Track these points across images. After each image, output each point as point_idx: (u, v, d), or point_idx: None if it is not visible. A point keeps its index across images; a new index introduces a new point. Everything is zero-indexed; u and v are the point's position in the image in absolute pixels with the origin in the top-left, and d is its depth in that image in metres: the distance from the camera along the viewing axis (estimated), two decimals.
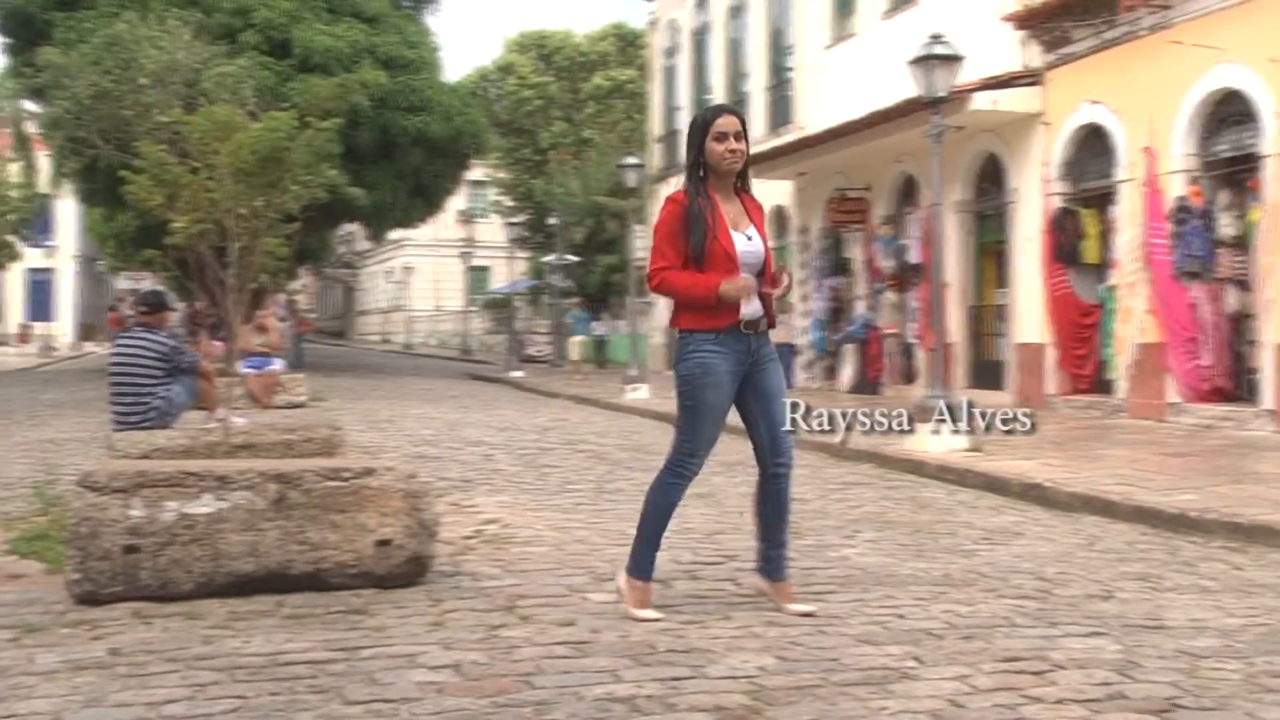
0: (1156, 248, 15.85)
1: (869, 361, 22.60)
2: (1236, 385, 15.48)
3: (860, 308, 23.29)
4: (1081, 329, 17.71)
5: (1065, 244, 17.71)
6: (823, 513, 9.30)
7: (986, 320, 20.49)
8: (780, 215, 27.25)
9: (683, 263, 5.49)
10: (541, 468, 12.06)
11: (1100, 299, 17.37)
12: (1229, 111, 15.42)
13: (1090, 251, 17.63)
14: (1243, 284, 15.13)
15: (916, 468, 12.00)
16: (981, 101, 17.87)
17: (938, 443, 12.63)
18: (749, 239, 5.60)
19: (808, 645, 5.20)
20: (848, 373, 23.32)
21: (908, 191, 22.14)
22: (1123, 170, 16.75)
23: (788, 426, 5.85)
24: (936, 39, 13.64)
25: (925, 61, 13.53)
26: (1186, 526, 8.45)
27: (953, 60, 13.62)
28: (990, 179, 20.06)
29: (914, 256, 21.03)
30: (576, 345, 36.92)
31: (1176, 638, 5.43)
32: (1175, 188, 15.78)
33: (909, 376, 21.43)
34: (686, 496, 9.80)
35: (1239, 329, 15.44)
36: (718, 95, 30.65)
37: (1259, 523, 8.13)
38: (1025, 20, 18.11)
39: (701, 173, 5.61)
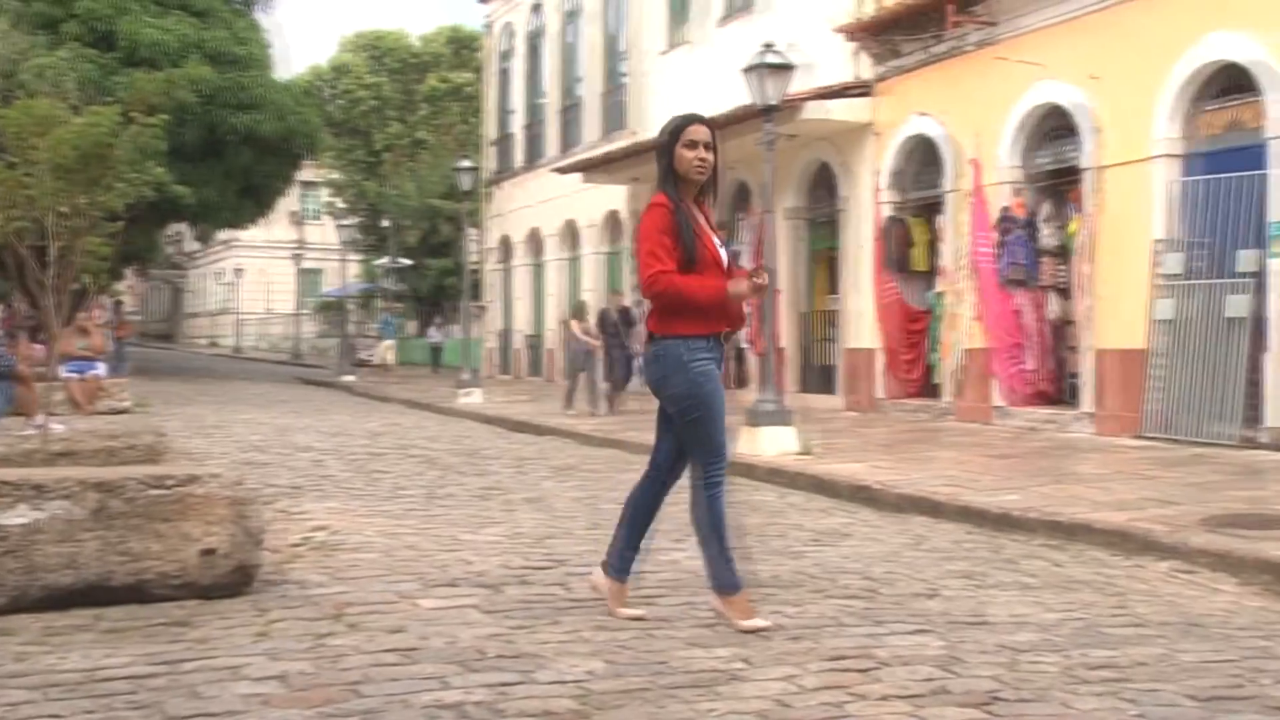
0: (983, 256, 16.28)
1: None
2: (1058, 389, 16.01)
3: (635, 315, 23.35)
4: (910, 334, 18.11)
5: (895, 252, 18.09)
6: None
7: (818, 326, 20.83)
8: (615, 221, 27.38)
9: (676, 266, 5.44)
10: (372, 473, 11.90)
11: (929, 305, 17.79)
12: (1051, 126, 15.92)
13: (919, 259, 18.05)
14: (1064, 292, 15.64)
15: (748, 471, 12.10)
16: (814, 110, 18.16)
17: (770, 446, 12.81)
18: (720, 244, 5.69)
19: (636, 649, 5.21)
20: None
21: (741, 198, 22.39)
22: (950, 181, 17.18)
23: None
24: (769, 48, 13.81)
25: (758, 70, 13.68)
26: (1010, 525, 8.67)
27: (785, 69, 13.80)
28: (822, 187, 20.40)
29: (747, 263, 21.24)
30: (386, 348, 36.52)
31: (998, 633, 5.57)
32: (1000, 198, 16.23)
33: (741, 381, 21.64)
34: (517, 502, 9.92)
35: (1060, 335, 15.97)
36: (552, 100, 30.68)
37: (1078, 521, 8.39)
38: (857, 32, 18.46)
39: (672, 179, 5.60)
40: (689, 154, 5.53)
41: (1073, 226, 15.33)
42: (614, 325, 19.55)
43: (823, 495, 10.67)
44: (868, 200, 18.75)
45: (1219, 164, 13.52)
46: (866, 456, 12.60)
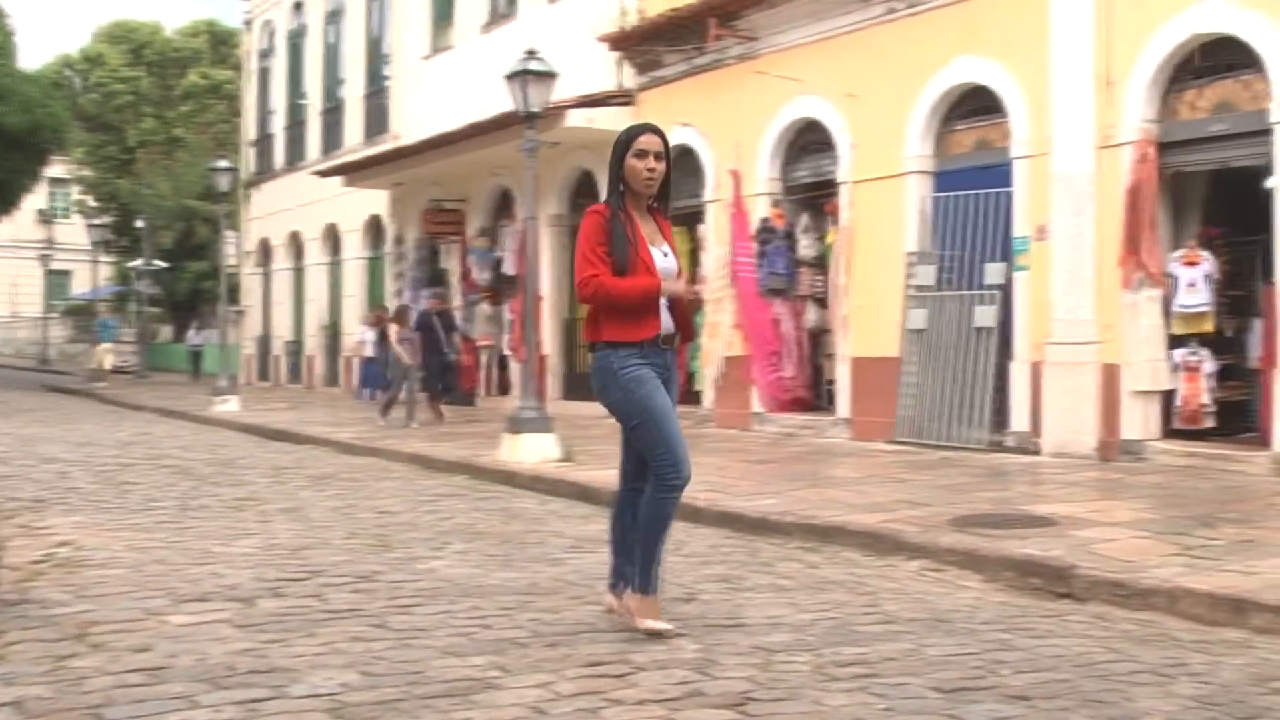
0: (742, 266, 16.59)
1: (464, 373, 22.62)
2: (815, 395, 16.43)
3: (456, 319, 23.25)
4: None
5: None
6: (412, 525, 9.21)
7: (580, 333, 20.85)
8: (376, 225, 27.02)
9: (609, 271, 5.45)
10: (122, 485, 11.46)
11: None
12: (810, 140, 16.33)
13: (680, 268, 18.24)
14: (821, 301, 16.07)
15: (509, 478, 12.10)
16: (576, 119, 18.23)
17: (530, 453, 12.80)
18: (665, 255, 5.61)
19: (392, 659, 5.13)
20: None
21: (504, 204, 22.36)
22: (711, 191, 17.47)
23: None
24: (531, 55, 13.82)
25: (520, 77, 13.68)
26: (767, 529, 8.85)
27: (547, 77, 13.83)
28: (585, 194, 20.46)
29: (509, 269, 21.23)
30: (104, 353, 35.14)
31: (753, 635, 5.67)
32: (760, 209, 16.57)
33: (504, 388, 21.62)
34: (273, 512, 9.67)
35: (817, 343, 16.40)
36: (314, 101, 30.11)
37: (833, 524, 8.61)
38: (619, 42, 18.62)
39: (620, 188, 5.58)
40: (639, 164, 5.53)
41: (830, 238, 15.76)
42: (433, 329, 18.88)
43: (584, 502, 10.69)
44: None
45: (968, 181, 14.08)
46: None
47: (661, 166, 5.56)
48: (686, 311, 5.75)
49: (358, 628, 5.67)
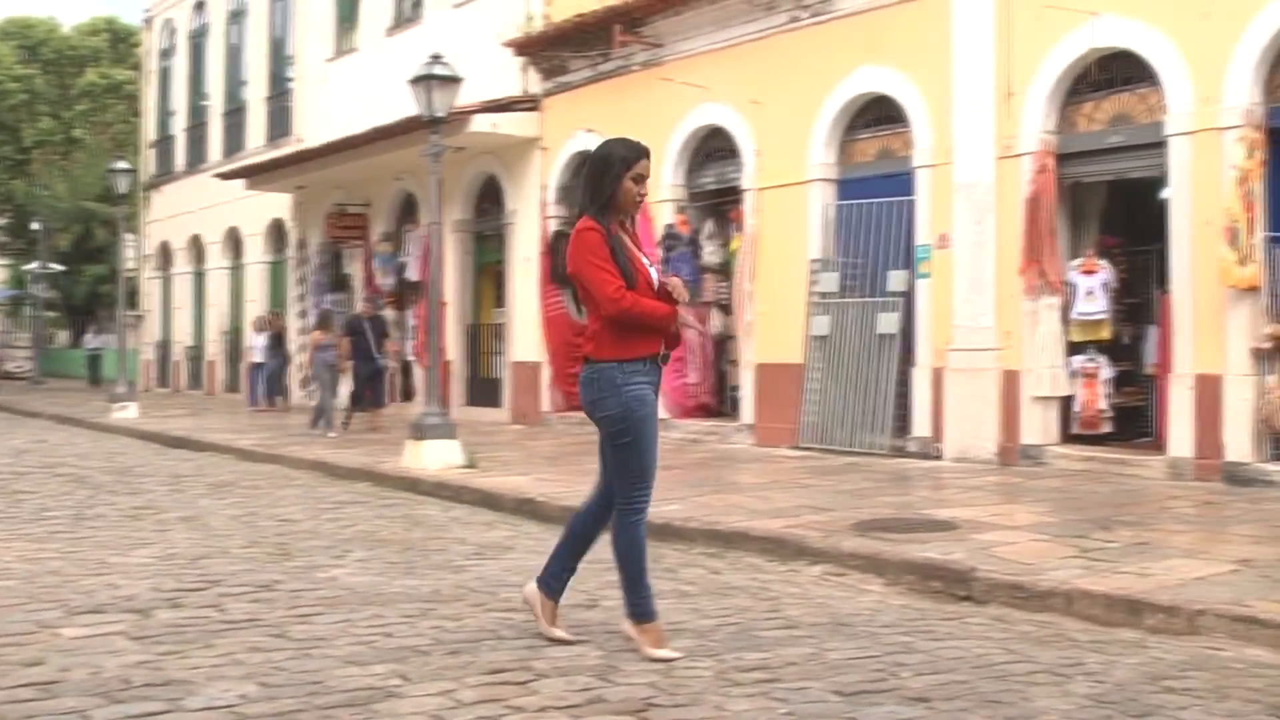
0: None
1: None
2: (720, 402, 16.49)
3: (387, 324, 23.00)
4: (576, 348, 18.01)
5: (561, 266, 18.20)
6: (314, 533, 9.11)
7: (485, 339, 20.82)
8: (279, 229, 26.71)
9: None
10: (15, 494, 11.23)
11: None
12: (714, 146, 16.41)
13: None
14: (725, 308, 16.13)
15: (413, 485, 12.02)
16: (481, 124, 18.17)
17: (434, 459, 12.73)
18: (650, 266, 5.56)
19: (291, 670, 5.07)
20: (344, 391, 23.02)
21: (408, 209, 22.20)
22: None
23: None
24: (436, 59, 13.76)
25: (424, 81, 13.62)
26: (671, 535, 8.85)
27: (452, 81, 13.78)
28: (490, 200, 20.42)
29: (413, 274, 21.08)
30: None
31: None
32: (665, 216, 16.61)
33: (408, 394, 21.46)
34: (171, 521, 9.52)
35: (722, 350, 16.46)
36: (216, 102, 29.72)
37: (736, 529, 8.65)
38: (525, 47, 18.58)
39: (605, 205, 5.45)
40: (635, 187, 5.44)
41: (734, 244, 15.84)
42: (363, 334, 18.08)
43: (487, 509, 10.66)
44: (535, 214, 18.88)
45: (871, 189, 14.22)
46: (531, 469, 12.68)
47: (646, 190, 5.55)
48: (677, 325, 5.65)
49: (257, 638, 5.60)
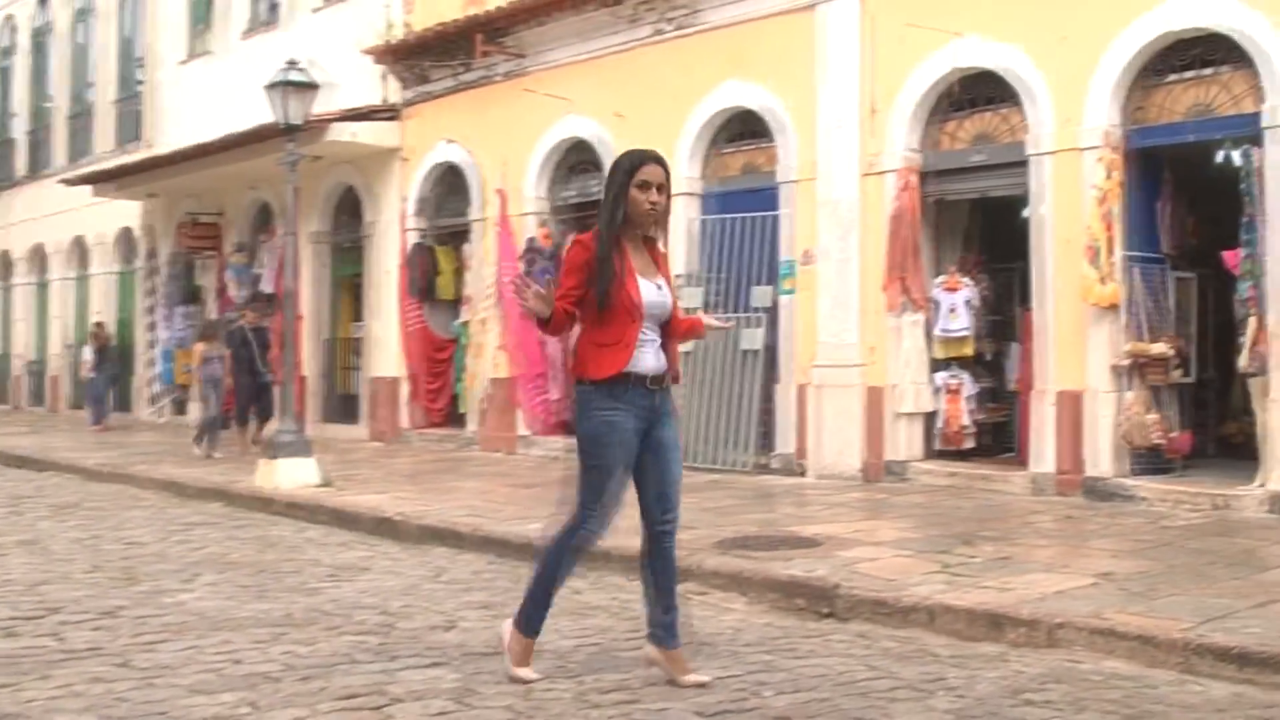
0: (508, 286, 16.53)
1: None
2: None
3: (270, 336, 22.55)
4: (436, 363, 18.17)
5: (421, 279, 18.11)
6: (161, 556, 8.90)
7: (342, 354, 20.56)
8: (128, 238, 26.11)
9: (574, 304, 5.25)
10: None
11: (454, 334, 17.92)
12: (578, 159, 16.41)
13: (445, 287, 18.15)
14: None
15: (266, 505, 11.81)
16: (339, 132, 17.95)
17: (288, 478, 12.52)
18: (659, 288, 5.37)
19: (135, 700, 4.94)
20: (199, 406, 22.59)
21: (263, 219, 21.84)
22: (477, 209, 17.38)
23: (679, 482, 5.51)
24: (293, 65, 13.58)
25: (280, 87, 13.42)
26: (531, 554, 8.76)
27: (309, 88, 13.60)
28: (349, 211, 20.18)
29: (268, 286, 20.74)
30: None
31: None
32: (527, 229, 16.57)
33: (267, 411, 21.05)
34: (9, 545, 9.23)
35: None
36: (60, 105, 28.98)
37: (598, 547, 8.58)
38: (385, 55, 18.41)
39: (620, 217, 5.29)
40: (641, 195, 5.26)
41: None
42: (247, 346, 17.04)
43: (343, 528, 10.51)
44: (394, 226, 18.70)
45: (736, 204, 14.33)
46: (389, 487, 12.53)
47: (663, 199, 5.34)
48: (675, 352, 5.50)
49: (98, 668, 5.44)
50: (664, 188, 5.32)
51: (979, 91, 12.46)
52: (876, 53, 12.89)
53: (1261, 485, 10.25)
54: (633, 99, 15.21)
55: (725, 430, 13.89)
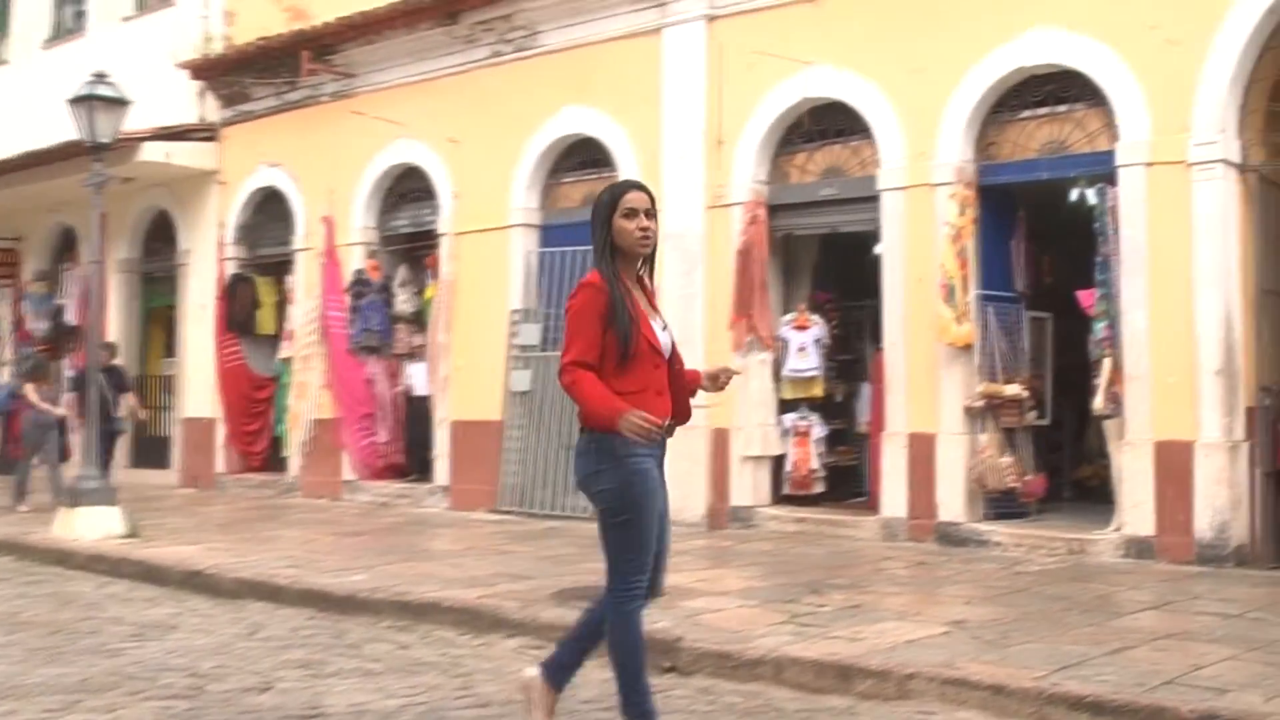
0: (334, 321, 16.35)
1: (11, 438, 21.10)
2: (412, 462, 16.29)
3: (3, 375, 21.85)
4: (254, 403, 17.85)
5: (239, 313, 17.80)
6: None
7: (152, 392, 20.05)
8: None
9: (598, 357, 5.06)
10: None
11: (275, 372, 17.63)
12: (409, 187, 16.29)
13: (266, 322, 17.87)
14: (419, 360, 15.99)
15: (64, 558, 11.45)
16: (152, 152, 17.57)
17: (90, 528, 12.16)
18: (664, 329, 5.29)
19: None
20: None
21: (66, 245, 21.29)
22: (302, 238, 17.15)
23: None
24: (101, 78, 13.26)
25: (86, 102, 13.08)
26: (356, 608, 8.69)
27: (118, 104, 13.28)
28: (161, 238, 19.74)
29: (71, 318, 20.20)
30: None
31: None
32: (354, 260, 16.40)
33: (63, 454, 20.45)
34: None
35: (416, 405, 16.28)
36: None
37: (427, 600, 8.53)
38: (203, 70, 18.10)
39: (610, 255, 5.20)
40: (629, 224, 5.16)
41: (429, 293, 15.74)
42: (98, 389, 14.43)
43: (150, 583, 10.22)
44: (211, 255, 18.35)
45: (576, 236, 14.16)
46: (202, 537, 12.24)
47: (654, 224, 5.24)
48: (687, 394, 5.42)
49: None
50: (652, 212, 5.25)
51: (829, 123, 12.69)
52: (724, 80, 13.05)
53: (1117, 529, 10.56)
54: (468, 124, 15.18)
55: (564, 474, 13.83)
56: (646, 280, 5.37)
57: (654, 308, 5.36)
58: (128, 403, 16.26)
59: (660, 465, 5.25)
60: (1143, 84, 10.59)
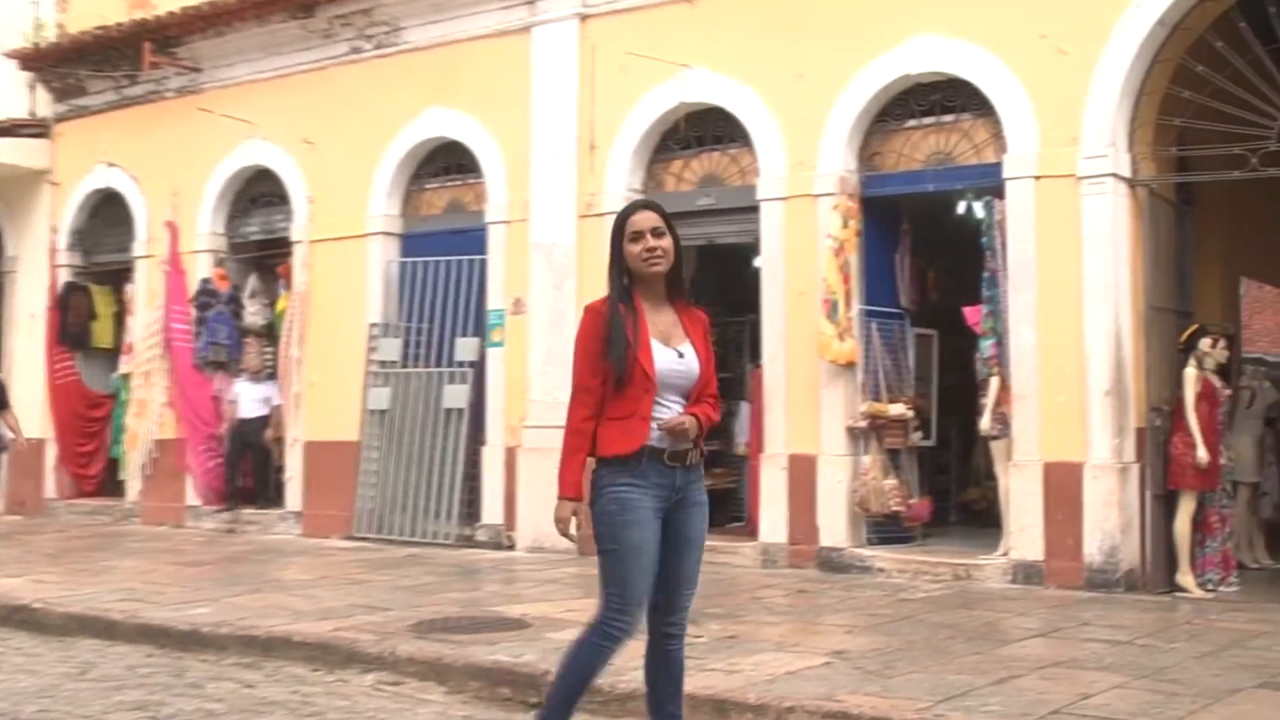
0: (178, 334, 16.09)
1: None
2: (262, 485, 16.07)
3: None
4: (89, 423, 17.51)
5: (73, 324, 17.45)
6: None
7: None
8: None
9: (602, 382, 5.16)
10: None
11: (112, 388, 17.31)
12: (260, 191, 16.11)
13: (103, 334, 17.55)
14: (273, 377, 15.76)
15: None
16: None
17: None
18: (680, 355, 5.24)
19: None
20: None
21: None
22: (143, 245, 16.85)
23: (696, 583, 5.36)
24: None
25: None
26: (198, 644, 8.54)
27: None
28: None
29: None
30: None
31: None
32: (201, 268, 16.17)
33: None
34: None
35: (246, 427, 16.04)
36: None
37: (276, 634, 8.41)
38: (33, 60, 17.71)
39: (626, 279, 5.28)
40: (635, 248, 5.24)
41: (281, 304, 15.56)
42: None
43: None
44: (42, 261, 17.95)
45: (439, 245, 14.28)
46: (28, 569, 11.98)
47: (664, 243, 5.26)
48: (704, 422, 5.32)
49: None
50: (661, 231, 5.28)
51: (707, 129, 12.78)
52: (596, 83, 13.08)
53: (1004, 554, 10.74)
54: (325, 125, 15.05)
55: (425, 498, 13.78)
56: (684, 301, 5.43)
57: (686, 331, 5.35)
58: (5, 421, 14.92)
59: (675, 499, 5.24)
60: (1031, 95, 10.81)
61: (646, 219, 5.31)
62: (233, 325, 15.91)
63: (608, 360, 5.16)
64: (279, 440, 15.43)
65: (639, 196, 12.82)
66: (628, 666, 7.11)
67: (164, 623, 8.98)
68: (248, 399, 15.57)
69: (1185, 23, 10.48)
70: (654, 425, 5.16)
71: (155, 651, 8.55)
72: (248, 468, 15.82)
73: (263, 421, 15.48)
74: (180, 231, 16.32)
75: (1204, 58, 10.31)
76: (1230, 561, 10.78)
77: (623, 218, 5.37)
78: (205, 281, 16.07)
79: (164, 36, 16.05)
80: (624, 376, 5.16)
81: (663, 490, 5.19)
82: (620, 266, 5.31)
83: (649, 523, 5.18)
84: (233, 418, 15.64)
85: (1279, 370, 15.19)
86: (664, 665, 5.38)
